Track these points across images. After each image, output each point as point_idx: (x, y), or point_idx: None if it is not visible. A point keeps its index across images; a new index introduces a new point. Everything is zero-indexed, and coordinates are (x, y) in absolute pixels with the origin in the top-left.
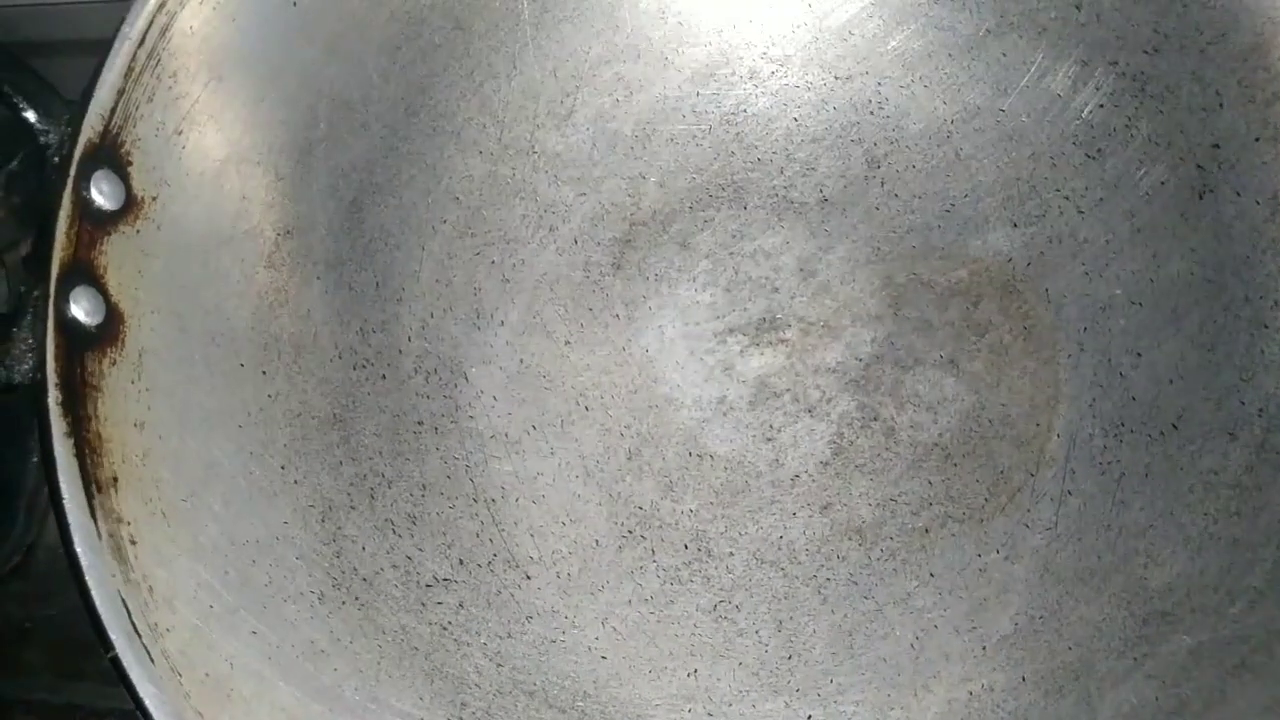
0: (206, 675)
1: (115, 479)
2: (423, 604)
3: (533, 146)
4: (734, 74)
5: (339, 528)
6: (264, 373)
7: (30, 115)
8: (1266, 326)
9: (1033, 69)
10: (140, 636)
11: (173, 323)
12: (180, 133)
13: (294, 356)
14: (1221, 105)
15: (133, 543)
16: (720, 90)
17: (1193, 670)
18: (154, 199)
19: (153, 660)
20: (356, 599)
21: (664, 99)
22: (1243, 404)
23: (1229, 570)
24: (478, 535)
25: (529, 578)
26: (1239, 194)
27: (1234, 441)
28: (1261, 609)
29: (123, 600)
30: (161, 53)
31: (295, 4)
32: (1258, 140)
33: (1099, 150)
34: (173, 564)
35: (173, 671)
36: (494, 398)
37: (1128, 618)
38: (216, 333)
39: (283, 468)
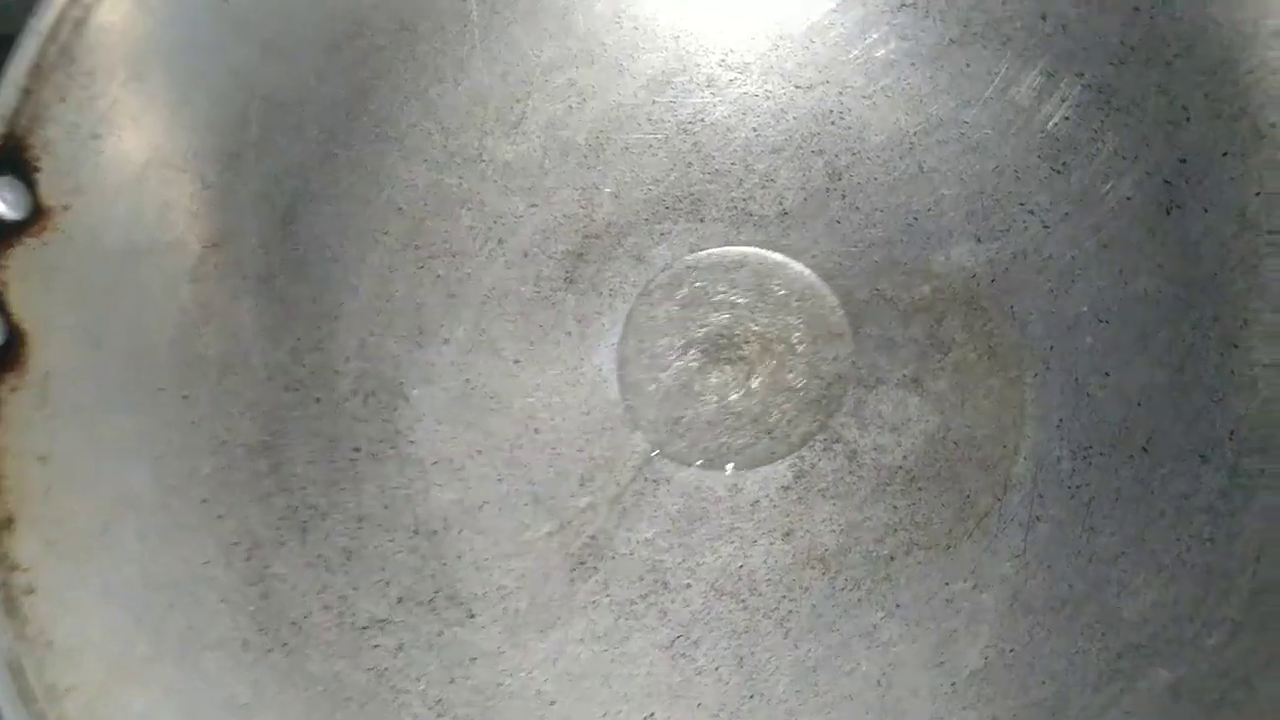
0: None
1: (11, 520)
2: (358, 648)
3: (481, 154)
4: (691, 81)
5: (266, 566)
6: (186, 396)
7: None
8: (1236, 346)
9: (997, 80)
10: (37, 700)
11: (84, 343)
12: (96, 136)
13: (219, 378)
14: (1188, 119)
15: (29, 592)
16: (677, 98)
17: (1172, 707)
18: (65, 208)
19: None
20: (284, 645)
21: (619, 106)
22: (1214, 426)
23: (1204, 599)
24: (418, 571)
25: (473, 616)
26: (1206, 210)
27: (1205, 465)
28: (1240, 641)
29: (12, 661)
30: (75, 49)
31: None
32: (1225, 155)
33: (1064, 164)
34: (78, 611)
35: None
36: (437, 421)
37: (1102, 650)
38: (134, 353)
39: (205, 500)
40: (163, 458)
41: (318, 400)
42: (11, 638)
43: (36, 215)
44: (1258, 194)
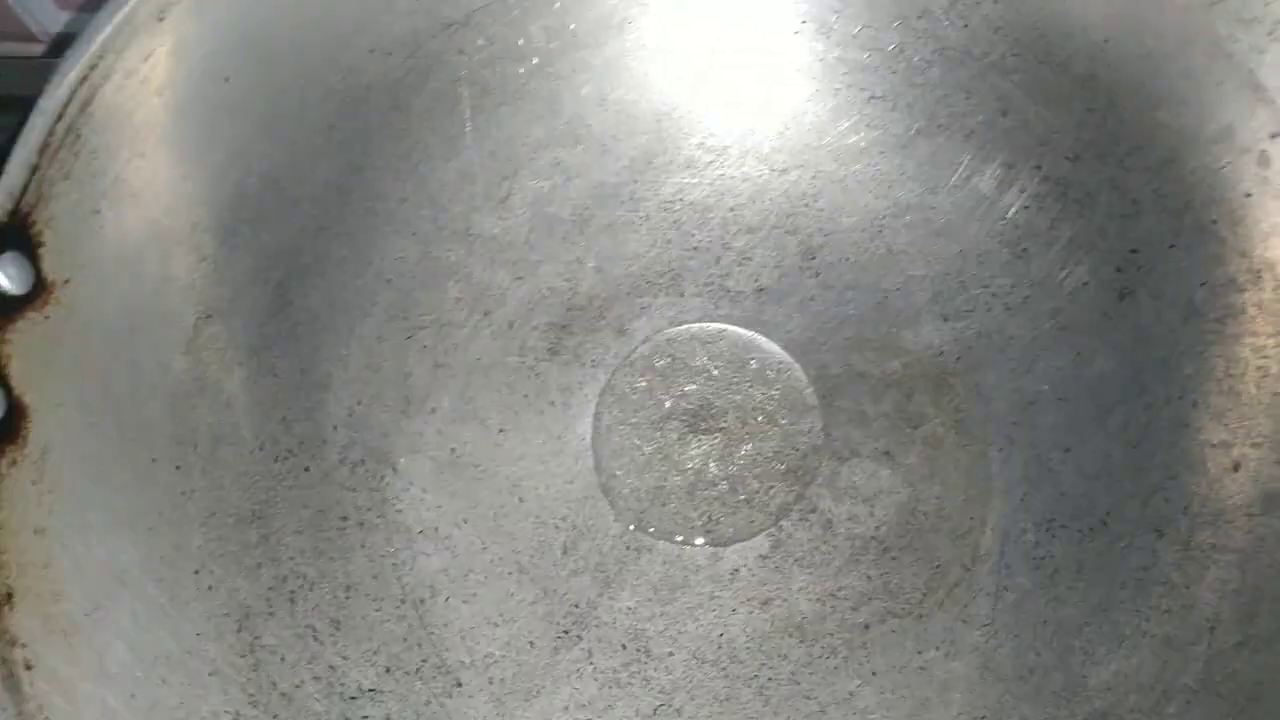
0: None
1: (10, 594)
2: (347, 718)
3: (468, 229)
4: (672, 163)
5: (256, 637)
6: (178, 468)
7: None
8: (1188, 426)
9: (960, 169)
10: None
11: (80, 417)
12: (98, 212)
13: (211, 449)
14: (1138, 212)
15: (28, 667)
16: (658, 178)
17: None
18: (67, 282)
19: None
20: (275, 717)
21: (602, 185)
22: (1168, 501)
23: (1164, 669)
24: (405, 639)
25: (460, 684)
26: (1156, 298)
27: (1161, 539)
28: (1196, 709)
29: None
30: (81, 128)
31: (227, 80)
32: (1172, 247)
33: (1024, 250)
34: (73, 690)
35: None
36: (424, 490)
37: (1068, 717)
38: (128, 426)
39: (196, 572)
40: (155, 530)
41: (307, 469)
42: (14, 715)
43: (39, 290)
44: (1202, 284)
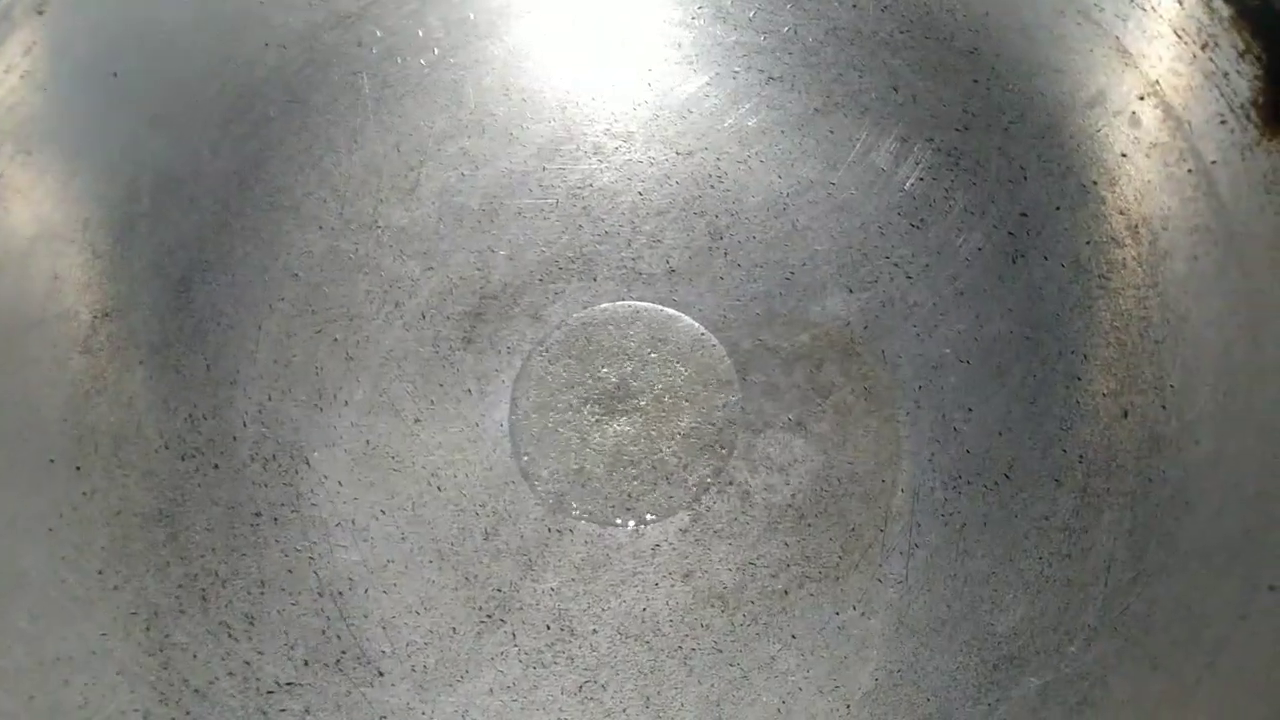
0: None
1: None
2: (264, 713)
3: (376, 221)
4: (579, 149)
5: (166, 635)
6: (78, 468)
7: None
8: (1079, 379)
9: (858, 145)
10: None
11: None
12: None
13: (113, 449)
14: (1025, 178)
15: None
16: (566, 165)
17: (1041, 710)
18: None
19: None
20: (188, 714)
21: (510, 173)
22: (1064, 452)
23: (1066, 610)
24: (324, 632)
25: (381, 674)
26: (1046, 258)
27: (1060, 488)
28: (1097, 646)
29: None
30: None
31: (115, 74)
32: (1058, 209)
33: (922, 220)
34: None
35: None
36: (339, 482)
37: (979, 664)
38: (23, 426)
39: (100, 572)
40: (55, 531)
41: (216, 467)
42: None
43: None
44: (1087, 243)
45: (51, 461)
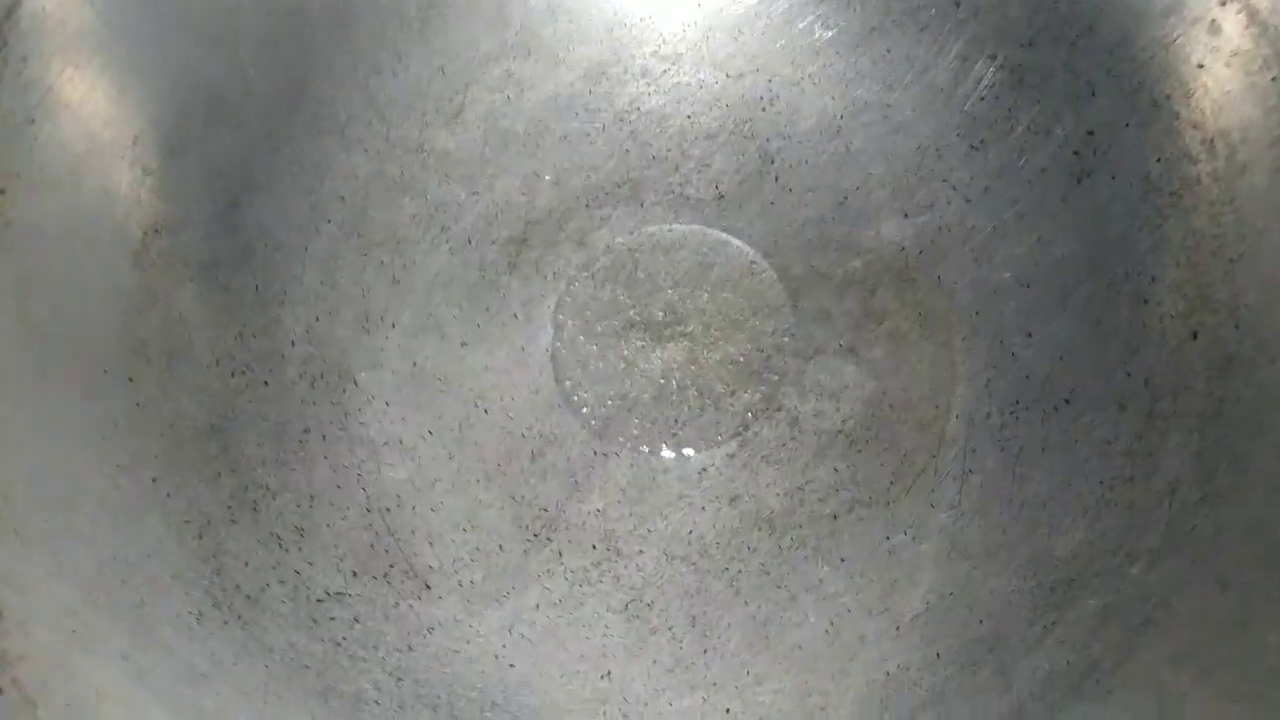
0: (68, 705)
1: None
2: (314, 620)
3: (421, 144)
4: (626, 72)
5: (219, 543)
6: (131, 380)
7: None
8: (1146, 301)
9: (917, 64)
10: None
11: (23, 329)
12: (32, 122)
13: (165, 363)
14: (1093, 94)
15: None
16: (613, 88)
17: (1100, 631)
18: (1, 192)
19: (1, 690)
20: (240, 618)
21: (556, 97)
22: (1129, 375)
23: (1127, 533)
24: (372, 546)
25: (429, 587)
26: (1114, 177)
27: (1124, 412)
28: (1161, 567)
29: None
30: (8, 35)
31: None
32: (1127, 126)
33: (982, 141)
34: (27, 588)
35: (26, 702)
36: (386, 403)
37: (1035, 587)
38: (77, 338)
39: (155, 480)
40: (109, 439)
41: (265, 384)
42: None
43: None
44: (1158, 160)
45: (105, 372)
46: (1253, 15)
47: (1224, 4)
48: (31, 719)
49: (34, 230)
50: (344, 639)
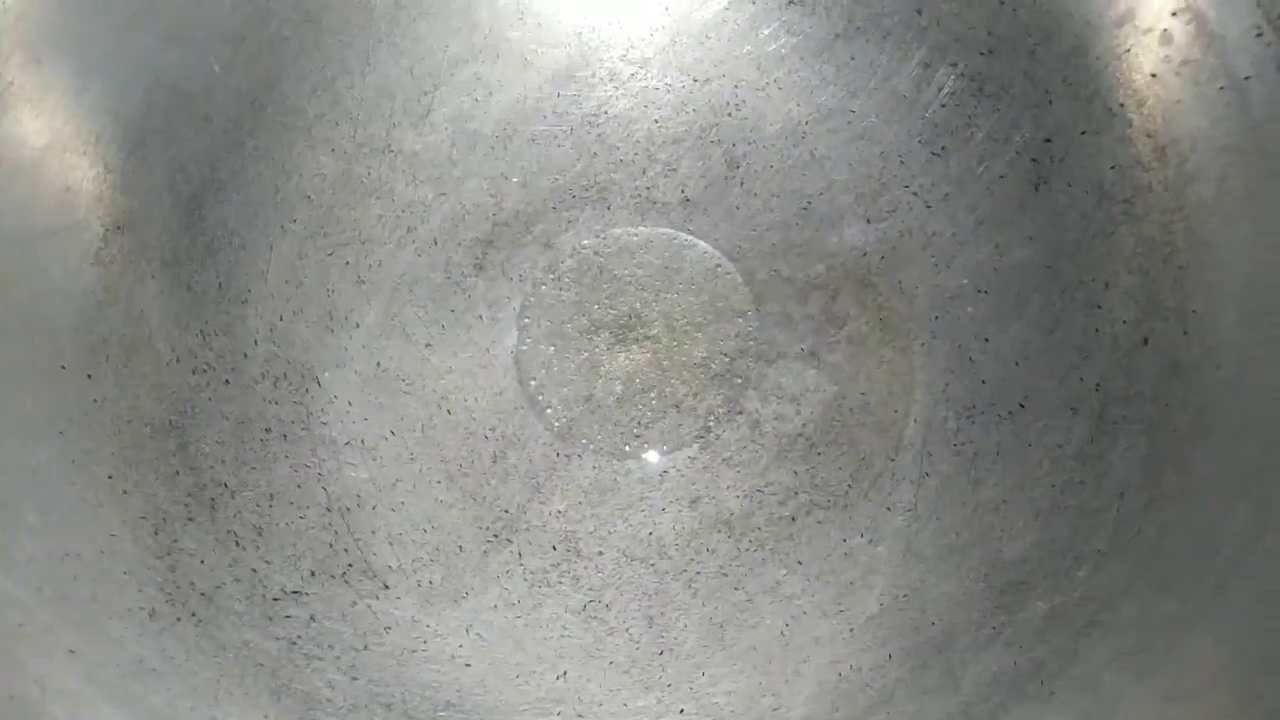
0: (11, 699)
1: None
2: (269, 618)
3: (389, 145)
4: (594, 76)
5: (174, 540)
6: (90, 376)
7: None
8: (1099, 307)
9: (880, 71)
10: None
11: None
12: None
13: (124, 359)
14: (1050, 102)
15: None
16: (581, 91)
17: (1047, 633)
18: None
19: None
20: (193, 615)
21: (524, 99)
22: (1082, 380)
23: (1076, 536)
24: (331, 546)
25: (387, 587)
26: (1070, 184)
27: (1076, 416)
28: (1106, 570)
29: None
30: None
31: None
32: (1083, 133)
33: (943, 148)
34: None
35: None
36: (349, 403)
37: (986, 589)
38: (35, 333)
39: (110, 477)
40: (65, 434)
41: (226, 382)
42: None
43: None
44: (1112, 167)
45: (63, 368)
46: (1201, 25)
47: (1174, 14)
48: None
49: None
50: (299, 638)
